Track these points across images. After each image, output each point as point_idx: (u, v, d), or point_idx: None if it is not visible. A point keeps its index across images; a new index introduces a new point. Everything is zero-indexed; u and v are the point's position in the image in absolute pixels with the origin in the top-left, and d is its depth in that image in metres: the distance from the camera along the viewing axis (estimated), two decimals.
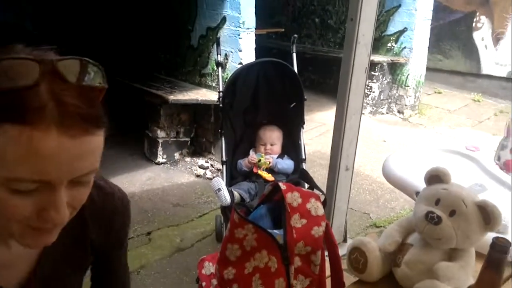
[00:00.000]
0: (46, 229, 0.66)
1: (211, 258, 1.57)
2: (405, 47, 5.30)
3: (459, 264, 1.07)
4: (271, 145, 2.61)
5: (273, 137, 2.65)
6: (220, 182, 2.25)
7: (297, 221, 1.40)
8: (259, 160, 2.50)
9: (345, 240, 2.76)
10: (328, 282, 1.51)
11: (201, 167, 3.84)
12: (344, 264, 1.51)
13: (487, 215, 1.05)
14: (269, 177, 2.48)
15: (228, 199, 2.21)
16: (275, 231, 1.40)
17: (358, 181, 3.57)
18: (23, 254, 0.78)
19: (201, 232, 2.91)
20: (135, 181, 3.52)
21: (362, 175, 3.77)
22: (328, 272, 1.52)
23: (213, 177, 3.61)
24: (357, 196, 3.42)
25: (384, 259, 1.18)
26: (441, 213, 1.08)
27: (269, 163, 2.50)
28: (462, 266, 1.07)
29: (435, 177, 1.15)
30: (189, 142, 4.07)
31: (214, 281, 1.44)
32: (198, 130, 4.08)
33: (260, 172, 2.50)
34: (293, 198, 1.43)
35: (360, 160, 3.70)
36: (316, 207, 1.43)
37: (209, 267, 1.53)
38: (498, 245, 0.88)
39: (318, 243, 1.39)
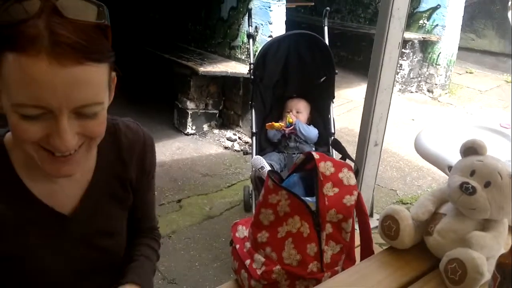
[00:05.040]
0: (63, 157, 0.73)
1: (244, 222, 1.63)
2: (437, 25, 5.18)
3: (492, 234, 1.09)
4: (297, 112, 2.64)
5: (299, 105, 2.67)
6: (261, 160, 2.27)
7: (329, 190, 1.43)
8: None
9: (371, 215, 2.79)
10: (357, 252, 1.56)
11: (229, 139, 3.90)
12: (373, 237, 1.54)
13: None
14: (279, 126, 2.51)
15: None
16: (308, 198, 1.45)
17: (385, 158, 3.57)
18: (69, 187, 0.89)
19: (229, 202, 2.98)
20: (165, 151, 3.60)
21: (390, 152, 3.77)
22: (357, 242, 1.57)
23: (241, 149, 3.67)
24: (384, 173, 3.43)
25: (416, 227, 1.20)
26: (476, 184, 1.09)
27: (291, 122, 2.52)
28: (495, 236, 1.09)
29: (470, 149, 1.16)
30: (217, 115, 4.12)
31: (248, 244, 1.50)
32: (226, 103, 4.12)
33: (275, 123, 2.52)
34: (326, 167, 1.46)
35: (388, 138, 3.69)
36: (348, 176, 1.47)
37: (243, 231, 1.59)
38: None
39: (350, 211, 1.43)
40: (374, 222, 2.49)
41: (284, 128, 2.54)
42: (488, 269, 1.03)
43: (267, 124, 2.55)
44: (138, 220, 1.11)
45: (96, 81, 0.70)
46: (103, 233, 0.97)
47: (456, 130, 1.82)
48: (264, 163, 2.22)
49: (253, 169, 2.26)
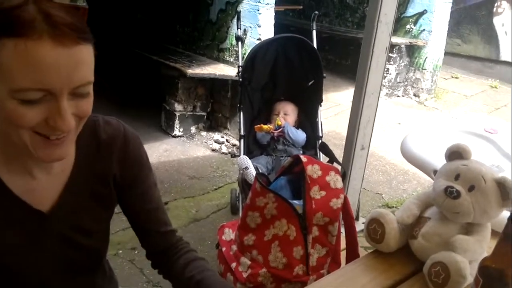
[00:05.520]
0: (56, 141, 0.74)
1: (231, 225, 1.63)
2: (424, 30, 5.25)
3: (475, 238, 1.10)
4: (285, 114, 2.65)
5: (286, 107, 2.68)
6: (247, 161, 2.27)
7: (316, 193, 1.44)
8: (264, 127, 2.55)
9: (357, 218, 2.81)
10: (342, 255, 1.57)
11: (216, 141, 3.89)
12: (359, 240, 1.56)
13: (505, 192, 1.08)
14: (267, 128, 2.53)
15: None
16: (295, 201, 1.46)
17: (371, 162, 3.60)
18: (47, 183, 0.88)
19: (216, 204, 2.97)
20: (152, 153, 3.58)
21: (376, 156, 3.80)
22: (342, 245, 1.58)
23: (229, 152, 3.66)
24: (370, 176, 3.45)
25: (401, 231, 1.21)
26: (460, 188, 1.11)
27: (279, 124, 2.54)
28: (478, 240, 1.10)
29: (455, 153, 1.18)
30: (205, 117, 4.11)
31: (234, 247, 1.50)
32: (214, 105, 4.12)
33: (264, 126, 2.53)
34: (313, 170, 1.47)
35: (374, 142, 3.71)
36: (335, 180, 1.48)
37: (229, 234, 1.59)
38: None
39: (336, 214, 1.44)
40: (359, 225, 2.51)
41: (273, 131, 2.55)
42: (470, 273, 1.04)
43: (255, 126, 2.56)
44: (150, 222, 1.05)
45: (89, 60, 0.73)
46: (82, 232, 0.95)
47: (442, 135, 1.84)
48: (249, 164, 2.22)
49: (240, 171, 2.26)
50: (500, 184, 1.09)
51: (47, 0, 0.68)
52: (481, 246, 1.10)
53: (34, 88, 0.67)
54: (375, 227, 1.22)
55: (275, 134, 2.55)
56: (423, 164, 1.70)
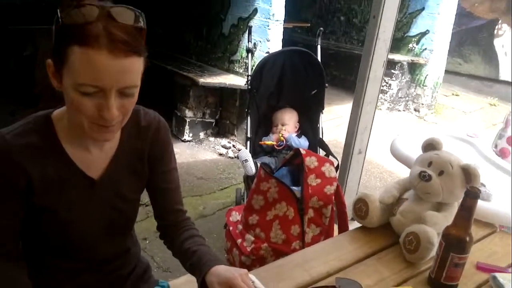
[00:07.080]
0: (105, 127, 0.98)
1: (237, 208, 1.86)
2: (425, 49, 5.49)
3: (443, 214, 1.32)
4: (282, 125, 2.80)
5: (284, 117, 2.82)
6: (247, 154, 2.48)
7: (312, 180, 1.67)
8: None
9: (353, 219, 3.00)
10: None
11: (224, 146, 4.12)
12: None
13: (469, 176, 1.29)
14: (271, 144, 2.73)
15: (253, 169, 2.45)
16: (294, 187, 1.68)
17: (369, 169, 3.81)
18: (99, 157, 1.11)
19: (222, 203, 3.19)
20: None
21: (374, 163, 4.00)
22: (335, 234, 1.79)
23: (235, 156, 3.88)
24: (367, 182, 3.66)
25: (383, 210, 1.43)
26: (432, 172, 1.32)
27: (281, 138, 2.74)
28: (445, 216, 1.31)
29: (430, 145, 1.40)
30: (214, 123, 4.35)
31: (240, 226, 1.72)
32: (223, 113, 4.36)
33: (267, 142, 2.73)
34: (311, 161, 1.70)
35: (373, 151, 3.93)
36: (329, 170, 1.70)
37: (236, 215, 1.81)
38: (471, 192, 1.12)
39: (330, 199, 1.66)
40: (355, 225, 2.70)
41: (276, 147, 2.73)
42: (438, 242, 1.25)
43: (260, 142, 2.74)
44: (167, 199, 1.26)
45: (137, 69, 0.95)
46: (122, 198, 1.18)
47: (426, 137, 2.05)
48: (248, 157, 2.40)
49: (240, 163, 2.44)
50: (465, 169, 1.30)
51: (113, 20, 0.89)
52: (448, 221, 1.29)
53: (90, 84, 0.89)
54: (361, 206, 1.44)
55: (279, 149, 2.75)
56: (409, 161, 1.91)
